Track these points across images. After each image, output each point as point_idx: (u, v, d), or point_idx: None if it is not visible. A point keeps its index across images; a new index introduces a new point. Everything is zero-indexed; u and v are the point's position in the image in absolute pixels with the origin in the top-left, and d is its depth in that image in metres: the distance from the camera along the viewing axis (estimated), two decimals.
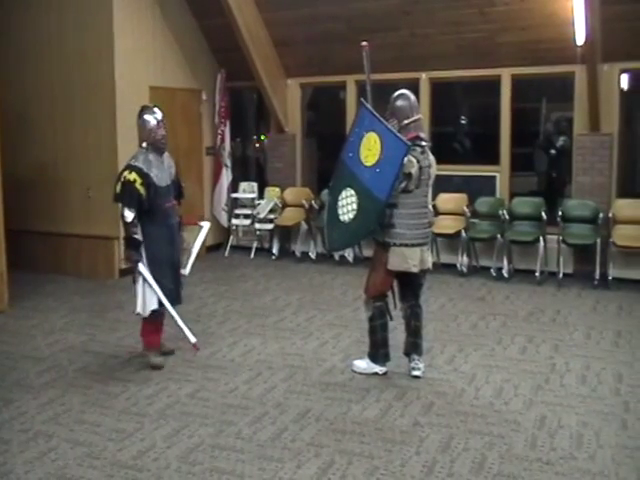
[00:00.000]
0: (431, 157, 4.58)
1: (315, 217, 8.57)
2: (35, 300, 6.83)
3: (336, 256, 8.28)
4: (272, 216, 8.75)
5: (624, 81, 7.52)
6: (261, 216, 8.74)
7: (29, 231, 8.06)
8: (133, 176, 4.64)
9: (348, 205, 4.44)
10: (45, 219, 8.08)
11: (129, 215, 4.64)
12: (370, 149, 4.33)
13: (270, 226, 8.78)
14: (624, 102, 7.48)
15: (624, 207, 7.20)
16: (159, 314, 4.85)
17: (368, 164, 4.33)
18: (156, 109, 4.87)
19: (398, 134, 4.27)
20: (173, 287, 4.91)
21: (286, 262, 8.48)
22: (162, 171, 4.81)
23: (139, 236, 4.71)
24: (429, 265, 4.63)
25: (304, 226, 8.61)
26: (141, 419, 4.05)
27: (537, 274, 7.22)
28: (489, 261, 7.62)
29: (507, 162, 7.90)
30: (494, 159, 7.98)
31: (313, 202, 8.62)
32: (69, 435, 3.86)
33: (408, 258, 4.45)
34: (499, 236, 7.50)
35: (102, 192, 7.74)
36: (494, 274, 7.46)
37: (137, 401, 4.32)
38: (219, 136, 9.12)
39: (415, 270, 4.50)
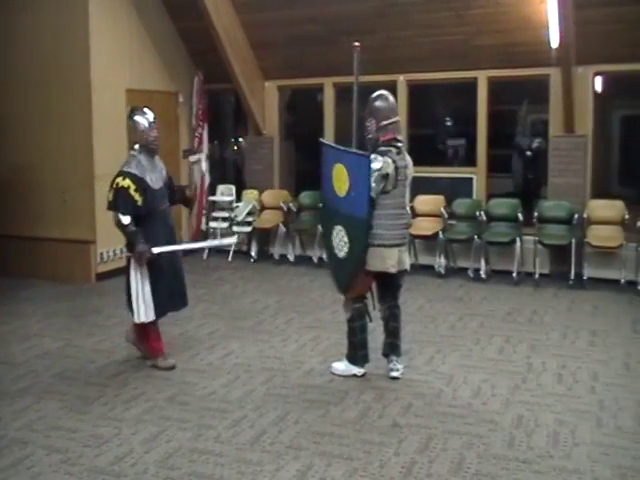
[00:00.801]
0: (407, 158, 4.61)
1: (293, 219, 8.57)
2: (10, 305, 6.73)
3: (314, 258, 8.29)
4: (250, 219, 8.73)
5: (598, 83, 7.62)
6: (239, 219, 8.71)
7: (4, 235, 7.95)
8: (127, 182, 4.58)
9: (340, 242, 4.52)
10: (21, 223, 7.97)
11: (125, 219, 4.58)
12: (339, 179, 4.44)
13: (248, 229, 8.76)
14: (598, 104, 7.59)
15: (598, 208, 7.30)
16: (155, 321, 4.88)
17: (342, 194, 4.44)
18: (147, 110, 4.82)
19: (355, 150, 4.38)
20: (176, 288, 4.92)
21: (264, 265, 8.47)
22: (155, 173, 4.80)
23: (136, 229, 4.60)
24: (407, 266, 4.65)
25: (282, 228, 8.60)
26: (118, 424, 4.01)
27: (514, 275, 7.29)
28: (467, 262, 7.68)
29: (484, 164, 7.96)
30: (472, 161, 8.05)
31: (291, 204, 8.62)
32: (45, 442, 3.81)
33: (387, 258, 4.47)
34: (476, 237, 7.55)
35: (78, 196, 7.68)
36: (472, 275, 7.52)
37: (114, 406, 4.28)
38: (197, 139, 9.09)
39: (393, 270, 4.51)
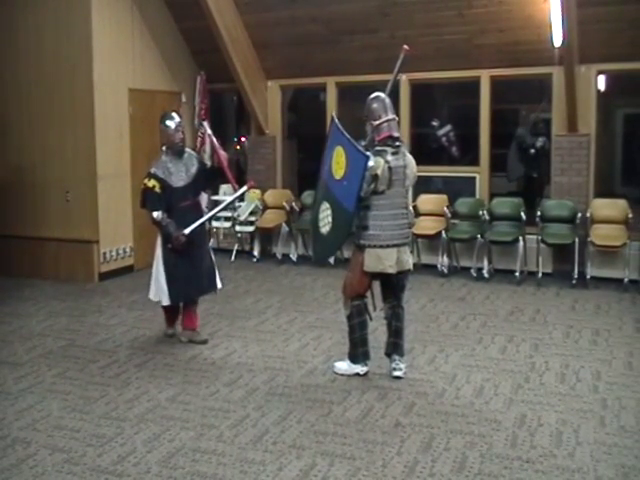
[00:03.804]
0: (408, 157, 4.58)
1: (296, 219, 8.57)
2: (13, 305, 6.74)
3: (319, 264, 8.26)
4: (253, 218, 8.73)
5: (601, 82, 7.61)
6: (242, 218, 8.71)
7: (6, 235, 7.96)
8: (152, 182, 5.16)
9: (325, 218, 4.54)
10: (23, 223, 7.98)
11: (157, 215, 5.15)
12: (338, 162, 4.44)
13: (251, 228, 8.76)
14: (601, 103, 7.57)
15: (601, 207, 7.29)
16: (173, 306, 5.42)
17: (337, 177, 4.45)
18: (174, 114, 5.37)
19: (359, 147, 4.33)
20: (192, 281, 5.30)
21: (267, 264, 8.47)
22: (180, 172, 5.27)
23: (169, 220, 5.15)
24: (409, 266, 4.63)
25: (285, 228, 8.60)
26: (121, 424, 4.02)
27: (517, 274, 7.28)
28: (469, 261, 7.67)
29: (487, 163, 7.95)
30: (475, 160, 8.03)
31: (294, 204, 8.62)
32: (48, 441, 3.81)
33: (383, 259, 4.47)
34: (479, 236, 7.54)
35: (81, 195, 7.69)
36: (474, 274, 7.51)
37: (117, 406, 4.28)
38: (199, 138, 9.08)
39: (391, 271, 4.51)
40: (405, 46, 4.70)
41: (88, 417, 4.11)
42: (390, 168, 4.42)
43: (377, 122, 4.48)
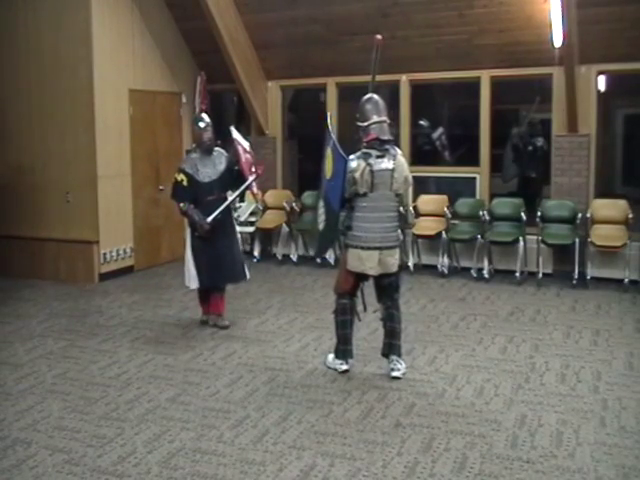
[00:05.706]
0: (399, 161, 4.51)
1: (296, 219, 8.57)
2: (13, 305, 6.74)
3: (317, 258, 8.28)
4: (253, 219, 8.73)
5: (601, 83, 7.60)
6: (242, 219, 8.70)
7: (6, 236, 7.97)
8: (181, 177, 5.61)
9: (322, 215, 4.63)
10: (23, 223, 7.98)
11: (182, 205, 5.57)
12: (328, 163, 4.53)
13: (251, 229, 8.76)
14: (601, 103, 7.57)
15: (602, 207, 7.28)
16: (204, 289, 5.81)
17: (327, 177, 4.55)
18: (204, 115, 5.87)
19: (340, 149, 4.40)
20: (217, 268, 5.66)
21: (267, 265, 8.47)
22: (207, 169, 5.66)
23: (194, 210, 5.54)
24: (394, 269, 4.58)
25: (285, 229, 8.60)
26: (121, 424, 4.02)
27: (517, 274, 7.27)
28: (470, 262, 7.67)
29: (487, 163, 7.94)
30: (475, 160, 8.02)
31: (294, 204, 8.62)
32: (48, 442, 3.81)
33: (364, 260, 4.50)
34: (479, 237, 7.54)
35: (81, 196, 7.69)
36: (475, 275, 7.51)
37: (117, 406, 4.28)
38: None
39: (372, 273, 4.52)
40: (377, 36, 4.59)
41: (88, 418, 4.11)
42: (372, 171, 4.41)
43: (366, 123, 4.49)
